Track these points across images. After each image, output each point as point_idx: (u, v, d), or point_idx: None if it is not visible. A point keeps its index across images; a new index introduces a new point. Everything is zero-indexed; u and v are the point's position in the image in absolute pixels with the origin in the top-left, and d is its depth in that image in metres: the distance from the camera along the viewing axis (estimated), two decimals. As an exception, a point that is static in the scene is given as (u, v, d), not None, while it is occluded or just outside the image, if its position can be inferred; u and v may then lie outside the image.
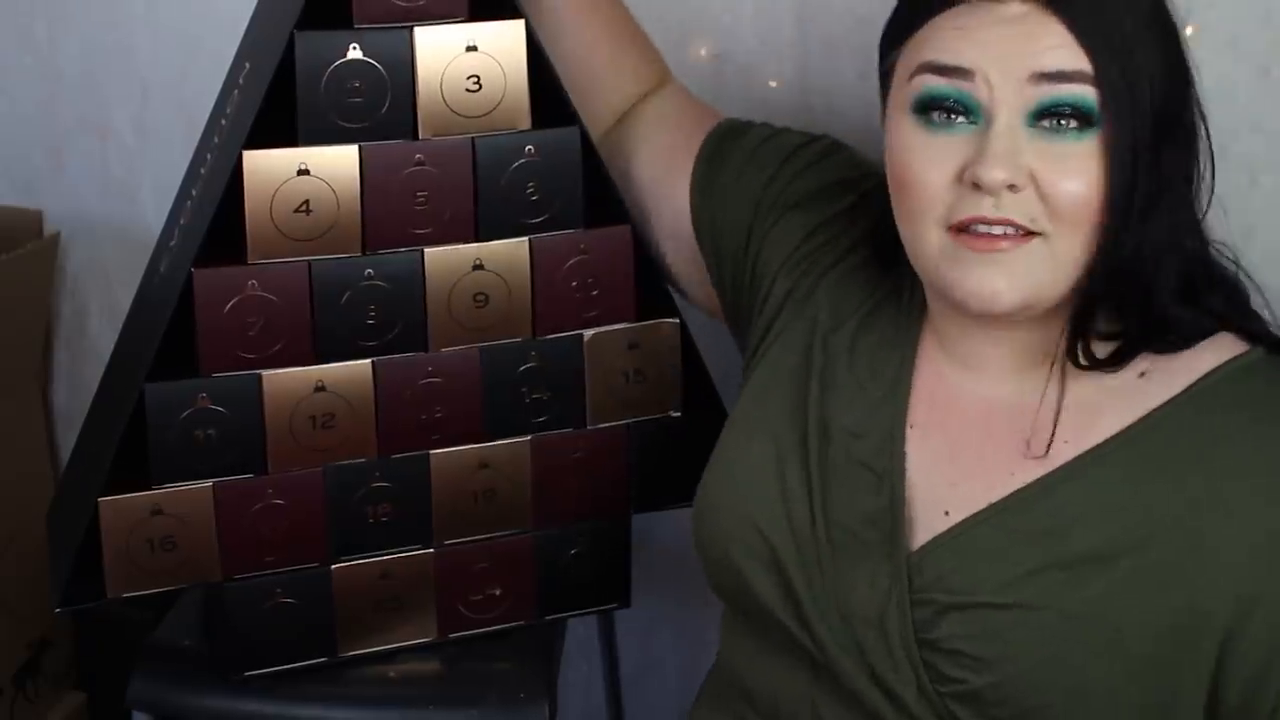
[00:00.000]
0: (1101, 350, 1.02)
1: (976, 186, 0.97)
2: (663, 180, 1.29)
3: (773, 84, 1.56)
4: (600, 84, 1.33)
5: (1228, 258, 1.05)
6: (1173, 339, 1.02)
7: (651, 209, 1.30)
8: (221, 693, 1.31)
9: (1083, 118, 0.96)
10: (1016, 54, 0.96)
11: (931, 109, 0.99)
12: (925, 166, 1.00)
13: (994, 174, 0.96)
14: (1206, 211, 1.04)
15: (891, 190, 1.04)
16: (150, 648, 1.38)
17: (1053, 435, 1.03)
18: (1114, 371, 1.02)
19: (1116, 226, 0.97)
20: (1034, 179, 0.96)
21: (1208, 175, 1.03)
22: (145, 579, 1.24)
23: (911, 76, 1.01)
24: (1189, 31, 1.30)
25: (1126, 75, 0.96)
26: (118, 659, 1.45)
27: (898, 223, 1.04)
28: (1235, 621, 0.96)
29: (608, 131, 1.33)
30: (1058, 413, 1.03)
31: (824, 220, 1.19)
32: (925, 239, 1.01)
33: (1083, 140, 0.96)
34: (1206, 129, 1.02)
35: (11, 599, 1.85)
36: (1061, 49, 0.96)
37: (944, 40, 0.99)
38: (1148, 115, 0.96)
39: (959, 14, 0.98)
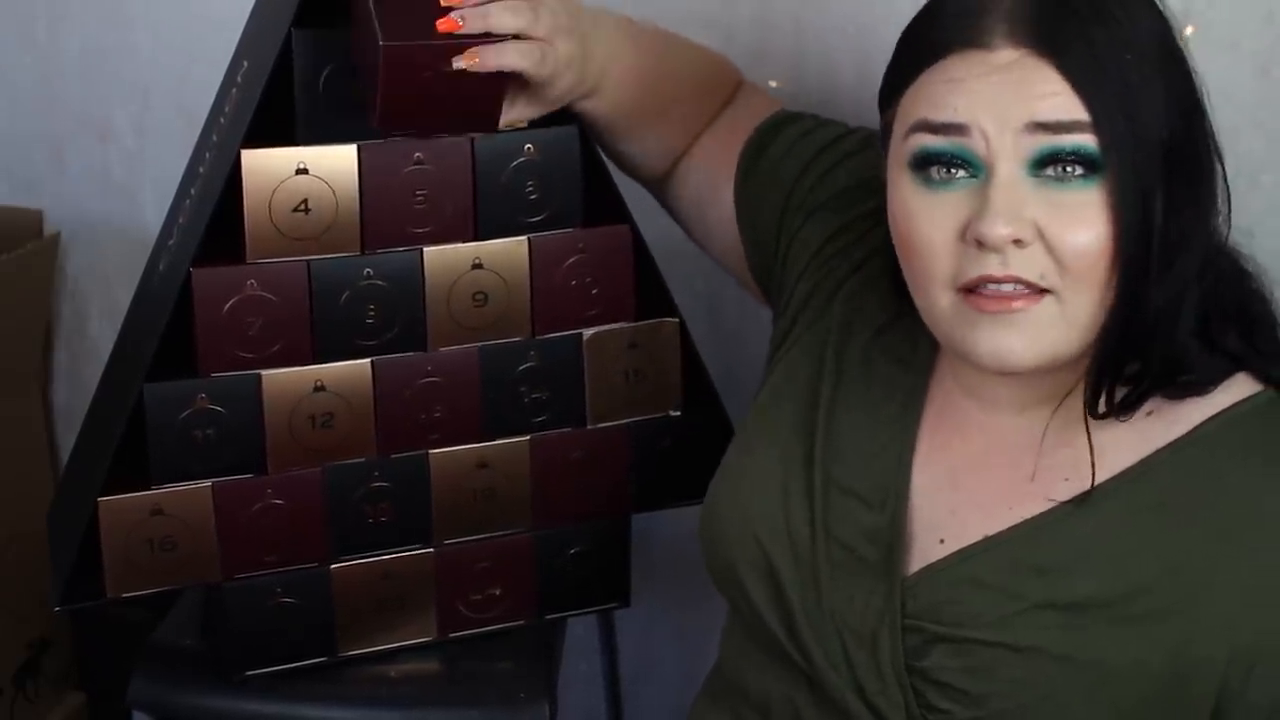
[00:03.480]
0: (1117, 393, 0.99)
1: (980, 244, 0.93)
2: (712, 181, 1.27)
3: (772, 84, 1.56)
4: (663, 141, 1.29)
5: (1263, 285, 1.02)
6: (1188, 382, 0.98)
7: (702, 217, 1.29)
8: (222, 693, 1.31)
9: (1087, 164, 0.92)
10: (1011, 103, 0.92)
11: (930, 165, 0.96)
12: (929, 228, 0.96)
13: (997, 230, 0.92)
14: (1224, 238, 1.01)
15: (898, 251, 1.01)
16: (150, 648, 1.38)
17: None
18: (1126, 418, 0.99)
19: (1135, 277, 0.93)
20: (1040, 233, 0.93)
21: (1225, 208, 0.99)
22: (145, 579, 1.24)
23: (907, 135, 0.97)
24: (1188, 31, 1.31)
25: (1128, 117, 0.92)
26: (118, 659, 1.45)
27: (907, 282, 1.01)
28: (1234, 673, 0.95)
29: (674, 164, 1.31)
30: (1039, 438, 1.02)
31: (846, 222, 1.17)
32: (936, 302, 0.98)
33: (1089, 188, 0.92)
34: (1222, 162, 0.98)
35: (11, 599, 1.85)
36: (1057, 96, 0.92)
37: (936, 95, 0.95)
38: (1156, 156, 0.93)
39: (950, 66, 0.95)
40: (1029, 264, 0.93)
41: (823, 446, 1.08)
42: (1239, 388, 1.00)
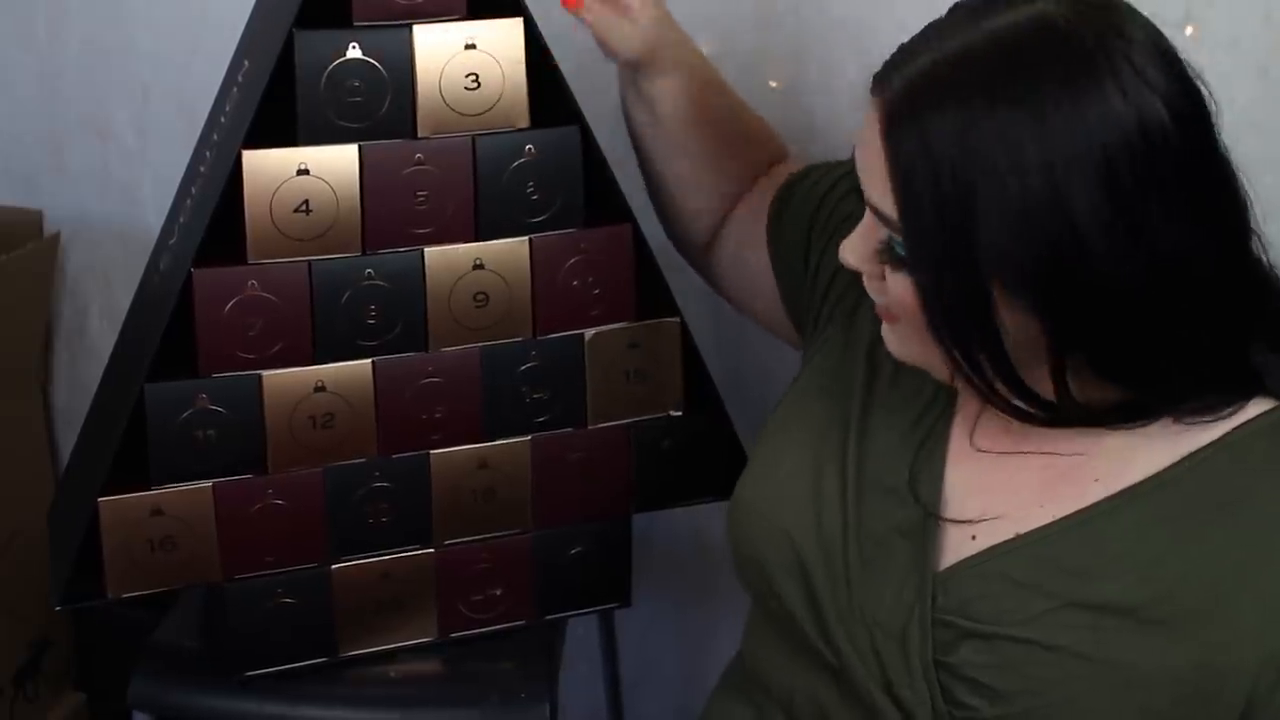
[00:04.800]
0: (1101, 399, 0.99)
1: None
2: (751, 234, 1.29)
3: (773, 85, 1.56)
4: (712, 187, 1.32)
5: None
6: (1199, 407, 0.98)
7: (740, 280, 1.32)
8: (222, 693, 1.31)
9: (902, 253, 0.95)
10: (862, 172, 0.97)
11: None
12: None
13: (840, 252, 1.02)
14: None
15: None
16: (150, 648, 1.38)
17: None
18: (1132, 427, 0.99)
19: (948, 348, 0.95)
20: (884, 274, 0.98)
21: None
22: (145, 579, 1.24)
23: None
24: (1188, 31, 1.31)
25: (940, 234, 0.92)
26: (118, 659, 1.45)
27: None
28: (1262, 681, 0.95)
29: (726, 219, 1.33)
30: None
31: None
32: None
33: (901, 272, 0.96)
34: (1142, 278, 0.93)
35: (11, 599, 1.85)
36: (883, 186, 0.94)
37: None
38: (979, 272, 0.91)
39: (870, 103, 0.97)
40: (873, 291, 1.02)
41: (856, 443, 1.09)
42: (1264, 400, 1.00)
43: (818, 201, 1.25)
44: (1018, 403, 0.97)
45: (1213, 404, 0.99)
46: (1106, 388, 0.98)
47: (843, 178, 1.25)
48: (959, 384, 1.00)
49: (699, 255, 1.36)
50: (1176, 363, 0.96)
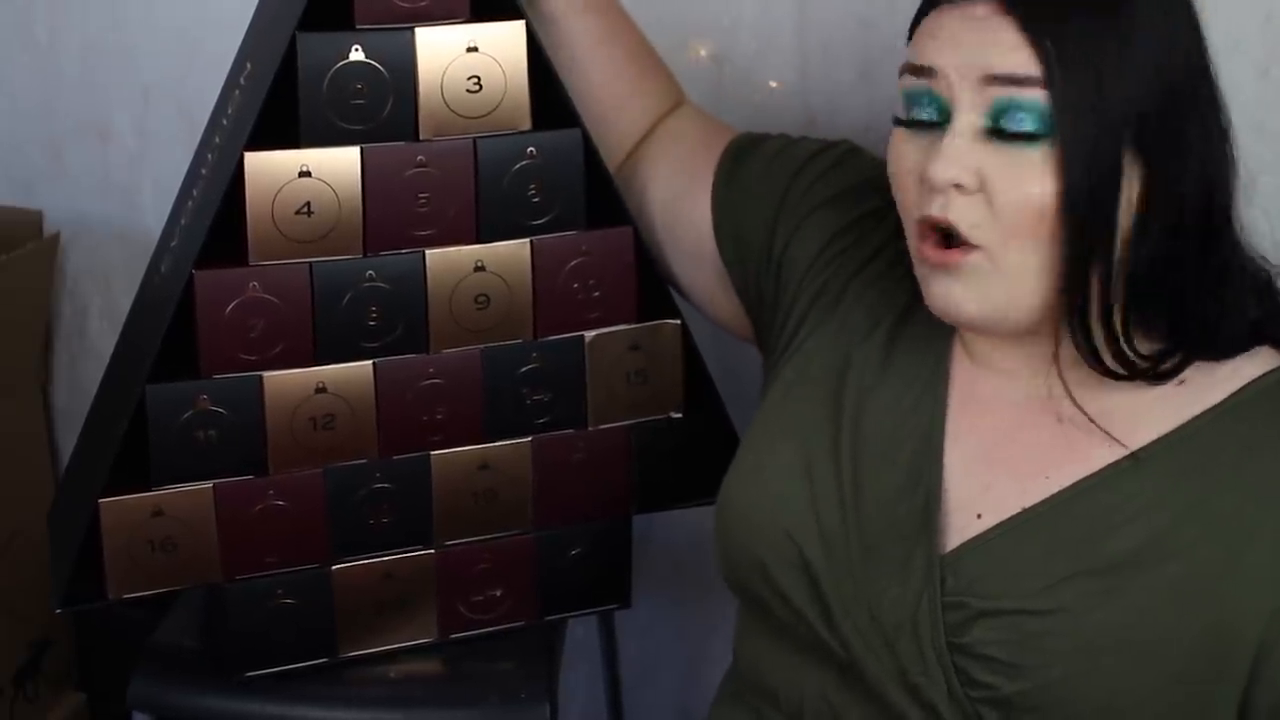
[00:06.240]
0: (1141, 360, 1.01)
1: (931, 185, 0.98)
2: (684, 194, 1.29)
3: (773, 85, 1.57)
4: (623, 111, 1.33)
5: (1264, 265, 1.04)
6: (1216, 346, 1.00)
7: (672, 226, 1.30)
8: (222, 693, 1.31)
9: (1035, 122, 0.95)
10: (974, 54, 0.96)
11: (910, 106, 1.01)
12: (901, 164, 1.02)
13: (938, 171, 0.96)
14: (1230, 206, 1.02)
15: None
16: (150, 648, 1.38)
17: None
18: (1160, 383, 1.00)
19: (1075, 238, 0.95)
20: (984, 184, 0.96)
21: (1229, 176, 1.02)
22: (146, 580, 1.24)
23: (900, 77, 1.02)
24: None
25: (1085, 82, 0.94)
26: (118, 659, 1.45)
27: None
28: (1269, 636, 0.96)
29: (629, 155, 1.34)
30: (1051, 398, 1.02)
31: (850, 221, 1.19)
32: (911, 245, 1.03)
33: (1036, 148, 0.95)
34: (1226, 129, 1.01)
35: (11, 599, 1.85)
36: (1016, 52, 0.95)
37: (920, 43, 1.00)
38: (1122, 123, 0.94)
39: (937, 17, 1.00)
40: (966, 212, 0.97)
41: (850, 434, 1.08)
42: (1266, 360, 1.01)
43: (782, 188, 1.23)
44: (1096, 342, 0.98)
45: (1225, 347, 1.01)
46: (1142, 339, 1.00)
47: (813, 158, 1.24)
48: (1018, 337, 1.02)
49: (617, 166, 1.34)
50: (1208, 296, 0.99)
